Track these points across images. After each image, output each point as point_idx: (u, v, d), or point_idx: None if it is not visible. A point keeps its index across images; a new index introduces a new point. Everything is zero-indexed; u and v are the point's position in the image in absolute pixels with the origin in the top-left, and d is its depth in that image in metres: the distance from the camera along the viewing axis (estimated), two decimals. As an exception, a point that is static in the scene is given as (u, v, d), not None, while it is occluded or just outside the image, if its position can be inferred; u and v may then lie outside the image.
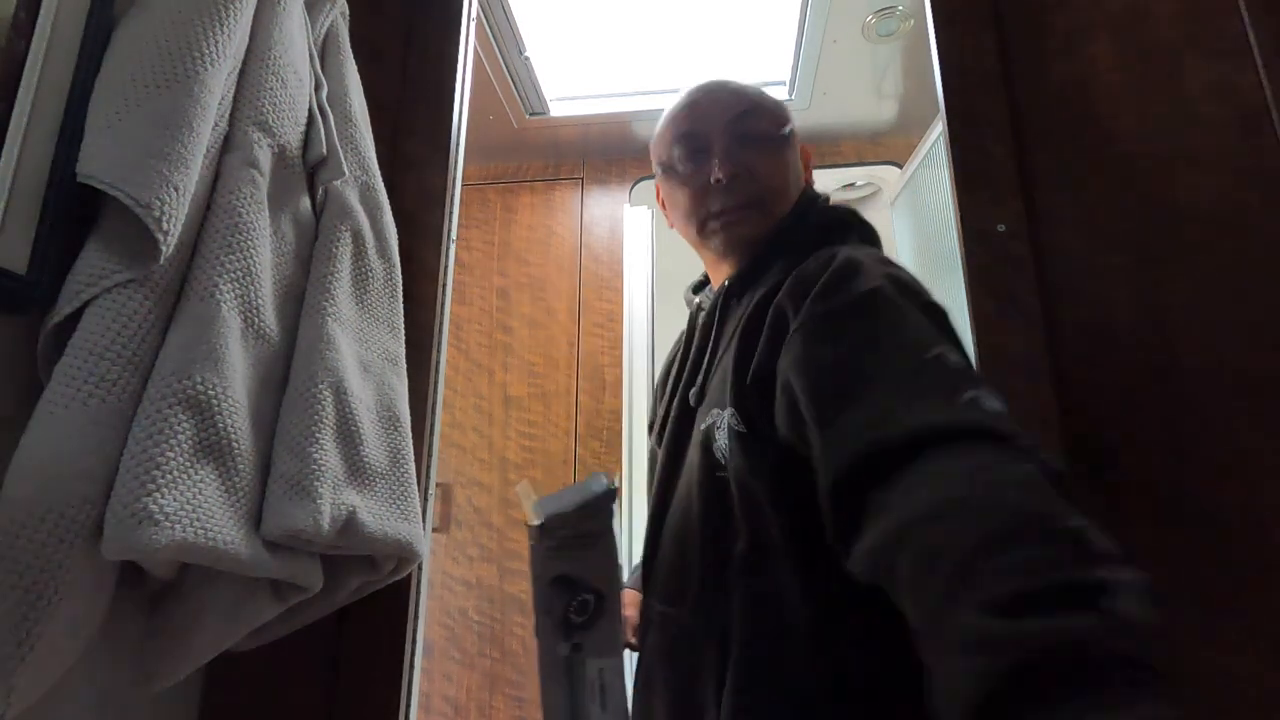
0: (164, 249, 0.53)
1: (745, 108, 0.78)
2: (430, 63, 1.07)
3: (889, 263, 0.65)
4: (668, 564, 0.72)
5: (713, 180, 0.75)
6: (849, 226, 0.78)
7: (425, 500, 0.91)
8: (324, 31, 0.84)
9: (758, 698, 0.58)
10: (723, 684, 0.59)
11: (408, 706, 0.84)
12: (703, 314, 0.83)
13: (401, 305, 0.86)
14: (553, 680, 0.62)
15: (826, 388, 0.53)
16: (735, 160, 0.76)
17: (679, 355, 0.88)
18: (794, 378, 0.57)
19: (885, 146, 2.09)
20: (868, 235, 0.78)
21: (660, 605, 0.71)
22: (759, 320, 0.66)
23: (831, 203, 0.81)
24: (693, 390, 0.76)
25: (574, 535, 0.65)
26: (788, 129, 0.80)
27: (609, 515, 0.67)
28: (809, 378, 0.55)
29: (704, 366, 0.77)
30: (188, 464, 0.52)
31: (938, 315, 0.58)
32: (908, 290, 0.59)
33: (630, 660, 0.72)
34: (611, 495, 0.66)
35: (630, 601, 0.83)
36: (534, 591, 0.66)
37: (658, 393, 0.96)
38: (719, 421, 0.67)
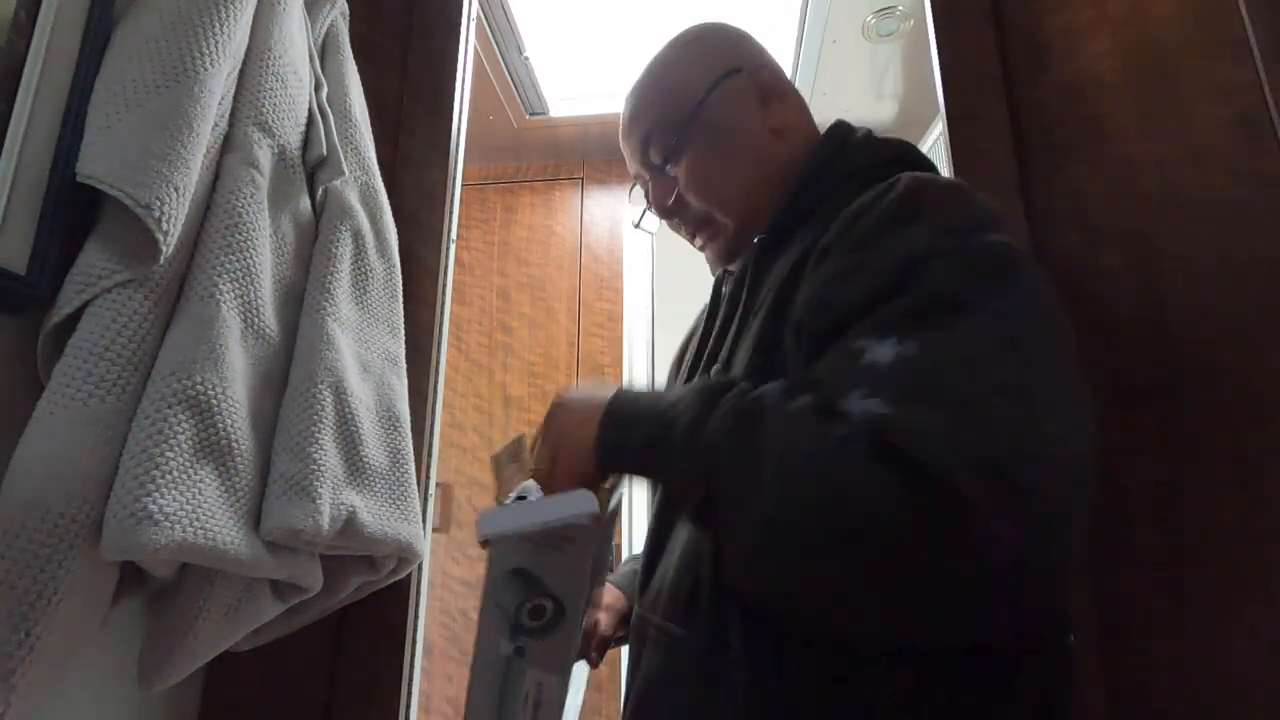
0: (164, 249, 0.53)
1: (643, 134, 0.69)
2: (430, 63, 1.07)
3: (970, 203, 0.52)
4: (675, 573, 0.58)
5: (662, 219, 0.73)
6: (907, 162, 0.63)
7: (425, 500, 0.91)
8: (324, 31, 0.84)
9: None
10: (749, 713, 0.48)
11: (408, 706, 0.84)
12: (730, 278, 0.69)
13: (401, 305, 0.86)
14: (484, 679, 0.55)
15: None
16: (661, 199, 0.70)
17: (699, 329, 0.75)
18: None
19: (885, 146, 2.09)
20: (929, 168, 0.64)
21: (661, 621, 0.58)
22: (800, 269, 0.55)
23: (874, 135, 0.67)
24: (715, 367, 0.62)
25: (545, 533, 0.54)
26: (689, 118, 0.66)
27: (590, 535, 0.55)
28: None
29: (730, 337, 0.62)
30: (188, 464, 0.52)
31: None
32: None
33: (579, 678, 0.64)
34: (589, 522, 0.54)
35: (603, 602, 0.73)
36: (486, 580, 0.56)
37: (672, 373, 0.82)
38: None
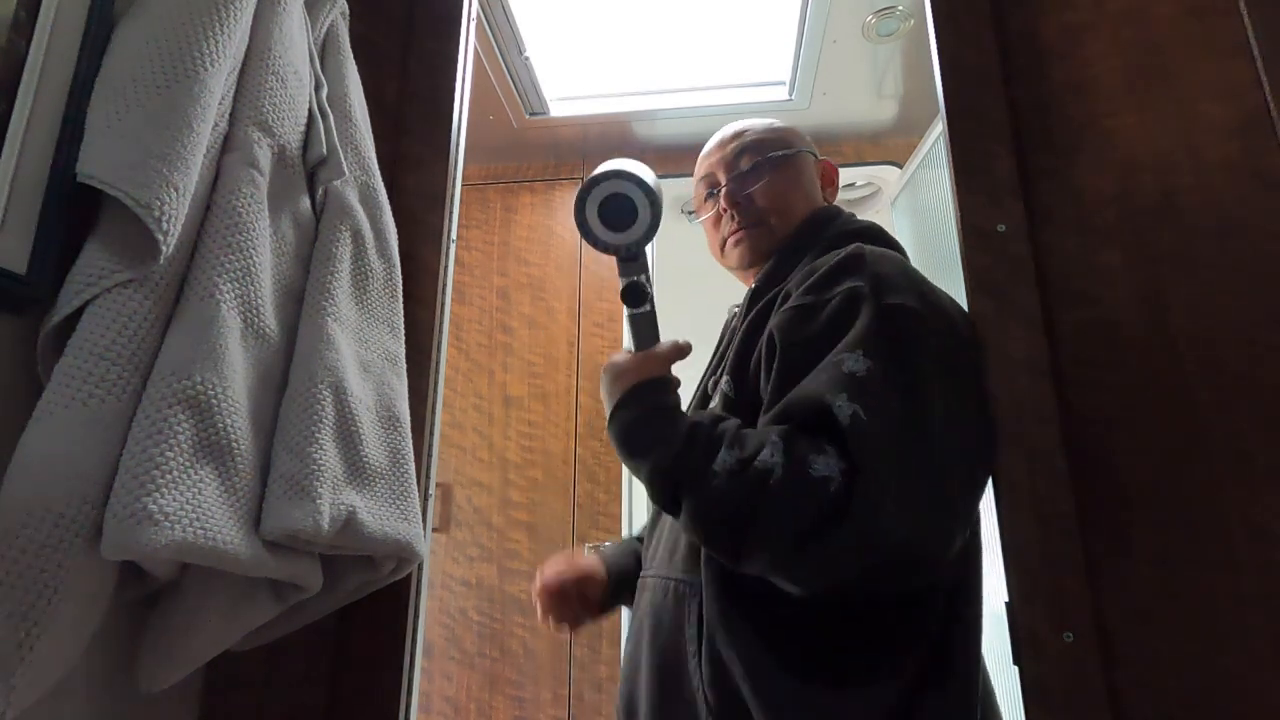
0: (164, 249, 0.53)
1: (741, 144, 0.93)
2: (430, 63, 1.07)
3: (887, 265, 0.73)
4: (665, 533, 0.83)
5: (722, 209, 0.92)
6: (869, 234, 0.86)
7: (425, 500, 0.91)
8: (324, 31, 0.84)
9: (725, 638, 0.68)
10: (702, 626, 0.69)
11: (408, 706, 0.84)
12: (734, 319, 0.93)
13: (401, 305, 0.86)
14: None
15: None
16: (735, 190, 0.91)
17: (714, 354, 0.97)
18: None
19: (885, 146, 2.09)
20: (889, 243, 0.86)
21: (653, 573, 0.82)
22: (767, 313, 0.78)
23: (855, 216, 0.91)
24: (710, 379, 0.85)
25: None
26: (783, 152, 0.92)
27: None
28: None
29: (724, 359, 0.84)
30: (187, 464, 0.52)
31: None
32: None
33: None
34: None
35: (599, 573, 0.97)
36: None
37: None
38: (716, 388, 0.78)
